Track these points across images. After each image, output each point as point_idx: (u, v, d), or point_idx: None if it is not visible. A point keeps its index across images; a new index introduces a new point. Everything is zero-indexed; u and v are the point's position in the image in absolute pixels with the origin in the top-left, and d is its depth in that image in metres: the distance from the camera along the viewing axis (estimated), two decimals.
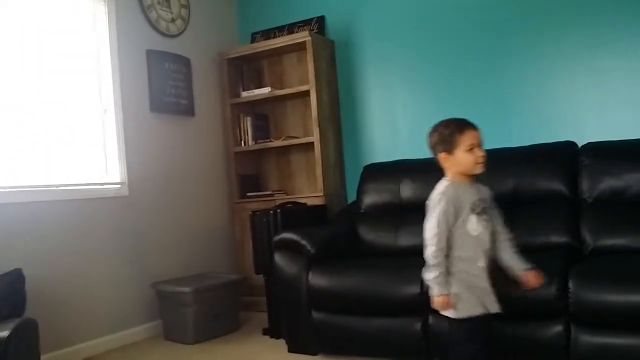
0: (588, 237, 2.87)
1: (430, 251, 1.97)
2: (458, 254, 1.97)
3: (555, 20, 3.51)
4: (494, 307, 1.98)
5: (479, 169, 2.00)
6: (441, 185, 2.04)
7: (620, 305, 2.23)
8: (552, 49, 3.52)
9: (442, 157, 2.05)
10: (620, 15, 3.32)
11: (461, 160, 1.99)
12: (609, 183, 2.96)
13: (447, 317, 2.01)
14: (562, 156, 3.16)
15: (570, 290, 2.34)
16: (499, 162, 3.28)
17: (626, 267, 2.45)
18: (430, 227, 1.98)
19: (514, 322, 2.43)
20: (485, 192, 2.10)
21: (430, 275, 1.97)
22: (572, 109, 3.48)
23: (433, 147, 2.08)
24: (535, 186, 3.14)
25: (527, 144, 3.30)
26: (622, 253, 2.72)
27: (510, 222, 3.00)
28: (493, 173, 3.17)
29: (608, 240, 2.81)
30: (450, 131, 2.02)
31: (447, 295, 1.95)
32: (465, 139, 1.99)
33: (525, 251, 2.36)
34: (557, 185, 3.09)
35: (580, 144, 3.19)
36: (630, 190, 2.91)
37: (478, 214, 1.99)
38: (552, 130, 3.47)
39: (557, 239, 2.92)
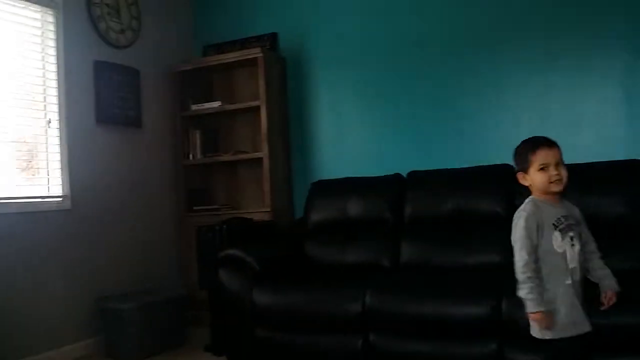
0: None
1: (517, 268, 1.95)
2: (545, 272, 1.95)
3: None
4: (584, 327, 1.93)
5: (554, 188, 1.98)
6: (523, 203, 2.05)
7: None
8: (501, 69, 3.66)
9: (519, 176, 2.07)
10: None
11: (534, 179, 2.00)
12: None
13: (534, 337, 1.97)
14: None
15: None
16: None
17: None
18: (515, 244, 1.97)
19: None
20: (572, 209, 2.07)
21: (521, 292, 1.94)
22: None
23: (514, 167, 2.12)
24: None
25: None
26: None
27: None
28: None
29: None
30: (524, 150, 2.04)
31: (542, 312, 1.91)
32: (537, 159, 1.98)
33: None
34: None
35: None
36: None
37: (561, 230, 1.96)
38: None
39: None
